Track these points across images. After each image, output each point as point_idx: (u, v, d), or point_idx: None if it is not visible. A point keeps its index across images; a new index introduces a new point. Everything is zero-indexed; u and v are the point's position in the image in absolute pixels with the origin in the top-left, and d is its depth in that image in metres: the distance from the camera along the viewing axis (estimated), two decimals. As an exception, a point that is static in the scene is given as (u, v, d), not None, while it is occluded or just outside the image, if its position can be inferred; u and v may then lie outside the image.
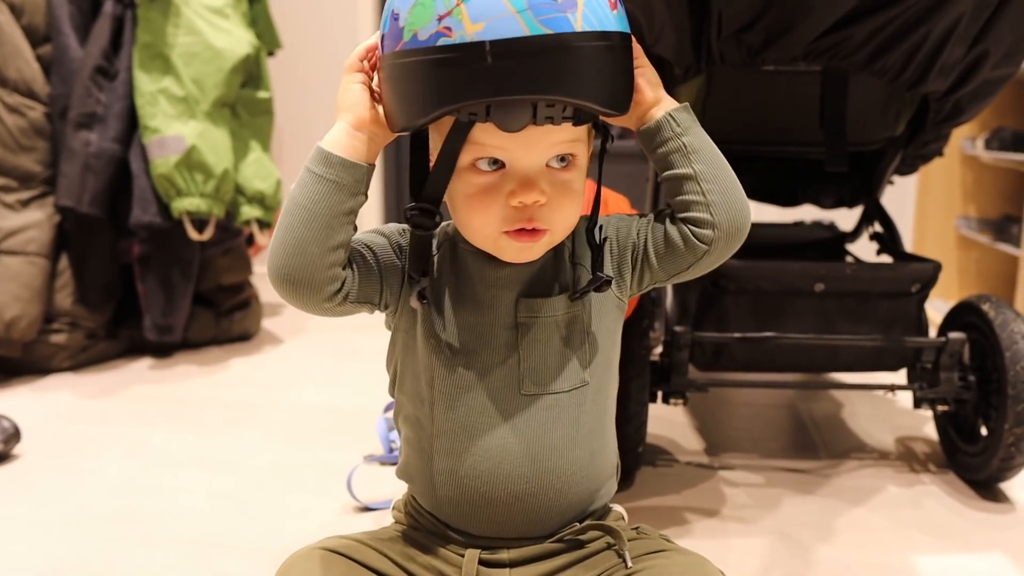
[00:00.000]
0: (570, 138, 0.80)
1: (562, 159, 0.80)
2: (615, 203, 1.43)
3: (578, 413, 0.86)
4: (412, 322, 0.86)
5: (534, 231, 0.80)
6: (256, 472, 1.57)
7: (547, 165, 0.80)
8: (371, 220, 3.51)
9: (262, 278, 3.15)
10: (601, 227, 0.87)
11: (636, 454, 1.49)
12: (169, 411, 1.91)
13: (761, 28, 1.34)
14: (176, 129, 2.13)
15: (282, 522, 1.37)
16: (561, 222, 0.82)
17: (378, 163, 3.17)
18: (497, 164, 0.79)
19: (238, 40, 2.25)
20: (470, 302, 0.85)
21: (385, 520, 1.19)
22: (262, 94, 2.40)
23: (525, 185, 0.78)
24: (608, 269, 0.87)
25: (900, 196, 2.83)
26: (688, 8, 1.38)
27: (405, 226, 0.86)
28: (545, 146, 0.78)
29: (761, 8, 1.32)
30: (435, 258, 0.86)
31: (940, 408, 1.51)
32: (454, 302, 0.85)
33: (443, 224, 0.87)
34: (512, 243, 0.81)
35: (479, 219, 0.81)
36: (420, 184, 0.83)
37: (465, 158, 0.79)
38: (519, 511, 0.85)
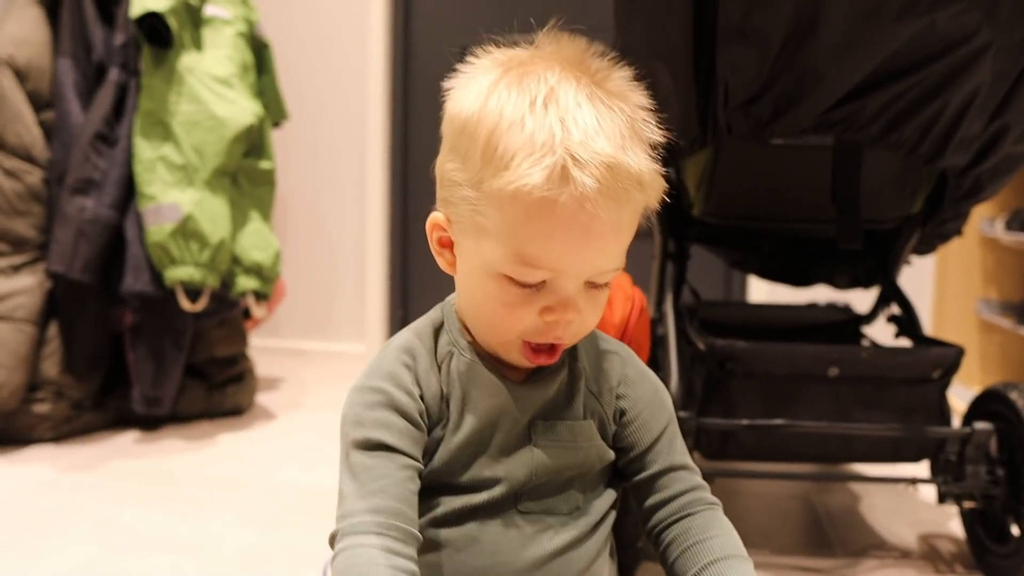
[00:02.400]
0: (617, 265, 0.72)
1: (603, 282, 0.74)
2: (615, 280, 1.35)
3: (575, 535, 0.78)
4: None
5: (552, 348, 0.74)
6: (224, 558, 1.47)
7: (586, 283, 0.72)
8: (375, 220, 3.46)
9: (258, 351, 3.08)
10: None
11: (635, 549, 1.38)
12: (145, 488, 1.81)
13: (769, 99, 1.28)
14: (173, 197, 2.09)
15: (249, 615, 1.27)
16: (583, 334, 0.76)
17: (382, 211, 3.02)
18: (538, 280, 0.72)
19: (242, 110, 2.23)
20: (482, 417, 0.77)
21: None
22: (264, 164, 2.37)
23: (564, 305, 0.71)
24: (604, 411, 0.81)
25: (918, 278, 2.75)
26: (694, 79, 1.33)
27: (404, 358, 0.77)
28: (592, 272, 0.71)
29: (769, 79, 1.26)
30: (442, 372, 0.78)
31: (967, 504, 1.40)
32: (466, 417, 0.77)
33: (437, 325, 0.80)
34: (528, 357, 0.74)
35: (505, 326, 0.73)
36: None
37: (506, 268, 0.71)
38: None
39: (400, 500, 0.71)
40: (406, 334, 0.80)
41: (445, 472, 0.76)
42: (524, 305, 0.71)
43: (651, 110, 0.74)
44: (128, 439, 2.17)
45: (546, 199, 0.66)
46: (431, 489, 0.76)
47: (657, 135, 0.72)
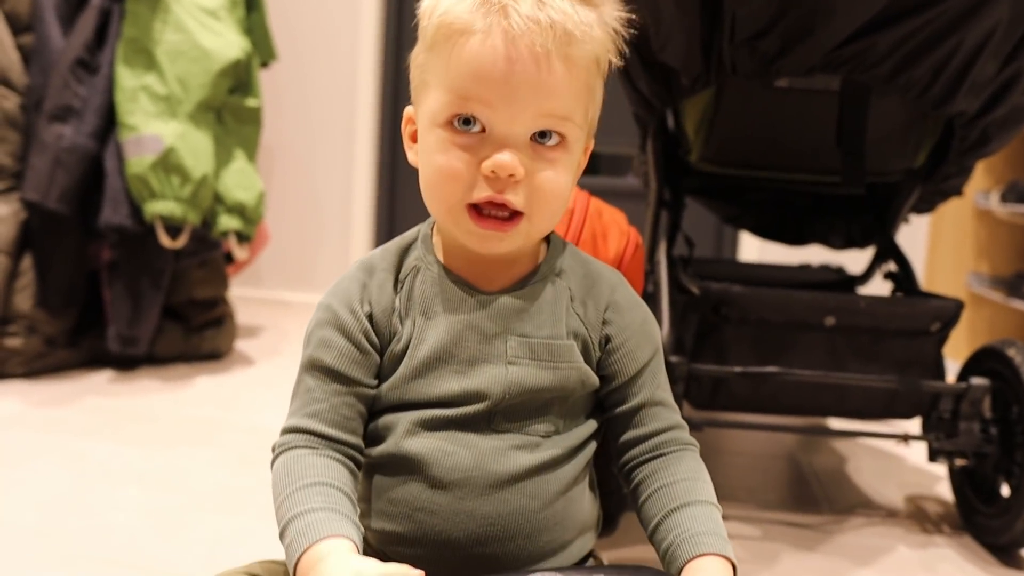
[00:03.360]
0: (561, 112, 0.70)
1: (548, 135, 0.71)
2: (610, 215, 1.30)
3: (553, 454, 0.74)
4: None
5: (504, 220, 0.71)
6: (198, 493, 1.43)
7: (532, 139, 0.70)
8: (363, 229, 3.40)
9: (240, 300, 3.03)
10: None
11: (620, 496, 1.33)
12: (118, 425, 1.76)
13: (777, 34, 1.23)
14: (155, 128, 2.02)
15: (214, 546, 1.23)
16: (539, 209, 0.72)
17: (370, 162, 2.98)
18: (476, 126, 0.70)
19: (229, 43, 2.16)
20: (446, 331, 0.74)
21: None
22: (251, 102, 2.30)
23: (503, 151, 0.69)
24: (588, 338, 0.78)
25: (909, 251, 2.71)
26: (699, 9, 1.27)
27: (359, 275, 0.77)
28: (533, 113, 0.69)
29: (778, 11, 1.21)
30: (403, 287, 0.76)
31: (958, 462, 1.37)
32: (428, 331, 0.75)
33: (406, 243, 0.79)
34: (477, 227, 0.71)
35: (445, 186, 0.71)
36: None
37: (444, 112, 0.70)
38: (478, 556, 0.72)
39: (333, 425, 0.73)
40: (374, 251, 0.80)
41: (412, 387, 0.74)
42: (466, 155, 0.70)
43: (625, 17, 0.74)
44: (102, 378, 2.12)
45: (468, 28, 0.68)
46: (399, 404, 0.74)
47: (620, 28, 0.74)
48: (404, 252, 0.79)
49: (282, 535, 0.67)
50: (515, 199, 0.70)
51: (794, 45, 1.23)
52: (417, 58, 0.75)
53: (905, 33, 1.20)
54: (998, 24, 1.19)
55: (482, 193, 0.70)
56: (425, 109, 0.73)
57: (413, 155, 0.77)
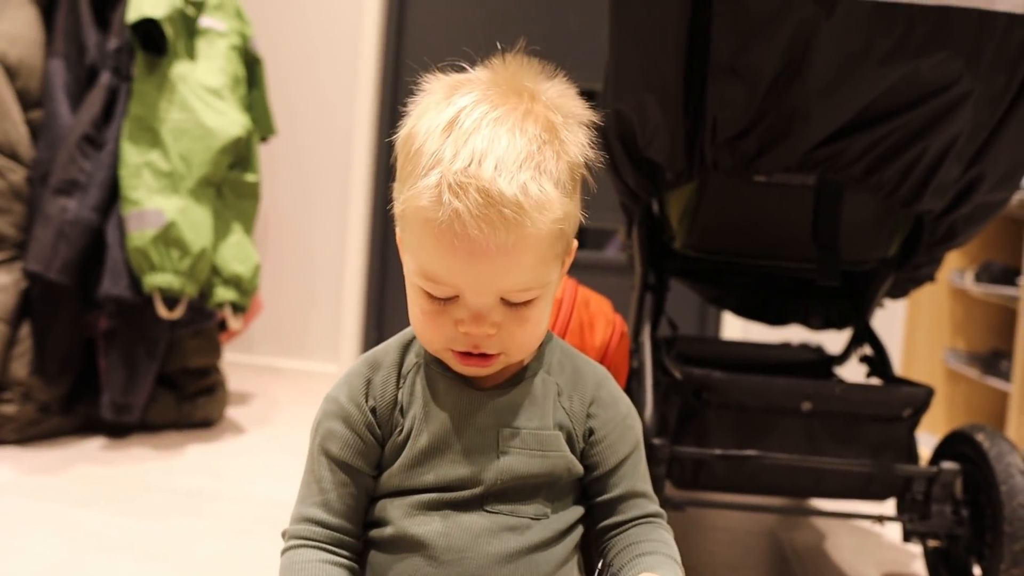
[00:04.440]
0: (527, 286, 0.75)
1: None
2: (597, 305, 1.37)
3: (542, 536, 0.80)
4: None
5: (483, 356, 0.77)
6: (194, 565, 1.45)
7: (502, 300, 0.75)
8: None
9: (232, 366, 3.05)
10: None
11: None
12: (112, 494, 1.79)
13: (756, 136, 1.32)
14: (157, 203, 2.09)
15: (214, 623, 1.25)
16: (515, 347, 0.78)
17: (362, 234, 3.01)
18: (447, 296, 0.76)
19: (231, 121, 2.24)
20: (443, 425, 0.80)
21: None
22: (250, 177, 2.37)
23: (475, 319, 0.75)
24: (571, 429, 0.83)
25: (888, 327, 2.80)
26: (683, 112, 1.36)
27: (364, 370, 0.83)
28: (499, 291, 0.75)
29: (757, 115, 1.30)
30: (405, 383, 0.82)
31: (931, 543, 1.42)
32: (427, 424, 0.80)
33: (407, 340, 0.85)
34: (460, 364, 0.78)
35: (428, 333, 0.79)
36: None
37: (418, 279, 0.76)
38: None
39: (339, 515, 0.79)
40: (378, 347, 0.86)
41: (412, 474, 0.79)
42: (441, 316, 0.76)
43: (598, 129, 0.78)
44: (95, 445, 2.14)
45: (430, 220, 0.71)
46: (398, 490, 0.80)
47: (587, 155, 0.77)
48: (405, 349, 0.85)
49: None
50: (490, 348, 0.77)
51: (772, 146, 1.32)
52: (395, 193, 0.78)
53: (875, 138, 1.28)
54: (961, 131, 1.28)
55: (460, 346, 0.76)
56: (405, 261, 0.78)
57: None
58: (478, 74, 0.78)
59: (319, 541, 0.79)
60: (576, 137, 0.77)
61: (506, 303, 0.75)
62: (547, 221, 0.72)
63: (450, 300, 0.75)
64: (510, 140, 0.71)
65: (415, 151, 0.73)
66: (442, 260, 0.72)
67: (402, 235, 0.77)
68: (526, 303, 0.76)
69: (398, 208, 0.76)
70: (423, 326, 0.78)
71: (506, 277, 0.73)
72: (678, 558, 0.82)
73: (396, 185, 0.77)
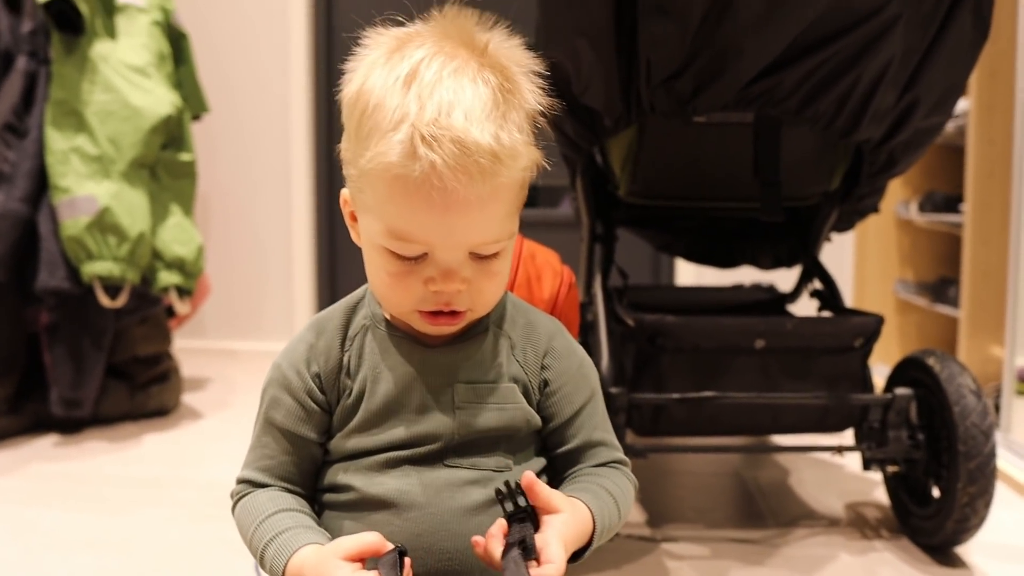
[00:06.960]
0: (496, 237, 0.74)
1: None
2: (543, 257, 1.35)
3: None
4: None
5: (453, 314, 0.76)
6: (155, 554, 1.43)
7: (471, 254, 0.74)
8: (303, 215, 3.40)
9: (185, 352, 3.00)
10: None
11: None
12: (66, 490, 1.74)
13: (691, 75, 1.30)
14: (88, 189, 2.02)
15: (178, 610, 1.23)
16: (482, 302, 0.77)
17: (308, 206, 2.96)
18: (417, 254, 0.73)
19: (159, 99, 2.17)
20: (395, 384, 0.79)
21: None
22: (184, 156, 2.30)
23: (445, 276, 0.73)
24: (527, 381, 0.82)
25: (838, 262, 2.83)
26: (616, 56, 1.34)
27: (308, 336, 0.82)
28: (470, 246, 0.73)
29: (690, 54, 1.28)
30: (352, 346, 0.81)
31: (890, 469, 1.44)
32: (378, 385, 0.79)
33: (353, 302, 0.83)
34: (427, 324, 0.77)
35: (395, 296, 0.76)
36: None
37: (383, 241, 0.73)
38: None
39: (280, 479, 0.79)
40: (324, 311, 0.85)
41: (366, 436, 0.79)
42: (409, 276, 0.74)
43: (541, 78, 0.76)
44: (47, 443, 2.09)
45: (401, 176, 0.68)
46: (354, 452, 0.79)
47: (541, 103, 0.75)
48: (352, 311, 0.83)
49: (261, 562, 0.73)
50: (461, 304, 0.75)
51: (707, 85, 1.30)
52: (346, 153, 0.75)
53: (808, 70, 1.27)
54: (893, 57, 1.28)
55: (430, 306, 0.74)
56: (364, 223, 0.75)
57: (355, 235, 0.79)
58: (423, 27, 0.76)
59: (266, 485, 0.80)
60: (530, 85, 0.75)
61: (475, 257, 0.74)
62: (518, 169, 0.72)
63: (419, 259, 0.73)
64: (474, 90, 0.69)
65: (373, 107, 0.70)
66: (414, 216, 0.70)
67: (360, 196, 0.74)
68: (494, 255, 0.75)
69: (355, 168, 0.73)
70: (389, 289, 0.75)
71: (478, 230, 0.72)
72: (621, 495, 0.81)
73: (348, 146, 0.74)
